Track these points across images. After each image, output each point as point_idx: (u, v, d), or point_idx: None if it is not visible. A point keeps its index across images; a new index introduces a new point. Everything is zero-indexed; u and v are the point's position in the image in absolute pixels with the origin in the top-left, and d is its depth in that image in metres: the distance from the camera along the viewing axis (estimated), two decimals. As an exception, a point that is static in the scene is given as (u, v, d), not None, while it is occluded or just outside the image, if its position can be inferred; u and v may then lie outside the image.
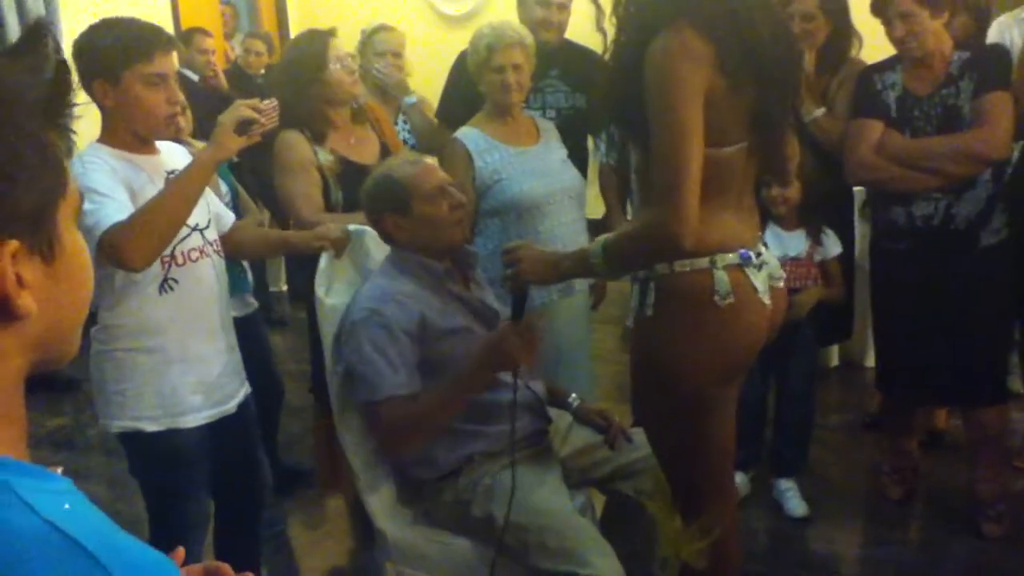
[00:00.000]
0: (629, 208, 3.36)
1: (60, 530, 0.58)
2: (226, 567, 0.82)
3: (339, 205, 2.62)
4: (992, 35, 3.33)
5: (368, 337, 2.02)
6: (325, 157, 2.64)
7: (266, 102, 1.94)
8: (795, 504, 2.96)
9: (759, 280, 1.75)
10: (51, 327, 0.66)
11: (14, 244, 0.61)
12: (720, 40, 1.60)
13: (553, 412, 2.29)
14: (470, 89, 2.86)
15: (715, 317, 1.71)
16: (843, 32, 2.91)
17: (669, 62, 1.60)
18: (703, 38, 1.59)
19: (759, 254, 1.78)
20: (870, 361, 3.87)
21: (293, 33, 6.95)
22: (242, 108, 1.88)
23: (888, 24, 2.64)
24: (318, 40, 2.68)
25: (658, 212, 1.63)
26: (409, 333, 2.03)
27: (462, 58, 3.16)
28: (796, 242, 2.89)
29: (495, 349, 1.95)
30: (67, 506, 0.61)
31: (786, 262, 2.75)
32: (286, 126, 2.50)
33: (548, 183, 2.72)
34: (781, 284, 1.85)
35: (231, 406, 2.07)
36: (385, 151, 2.76)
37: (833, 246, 2.94)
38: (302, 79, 2.66)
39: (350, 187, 2.54)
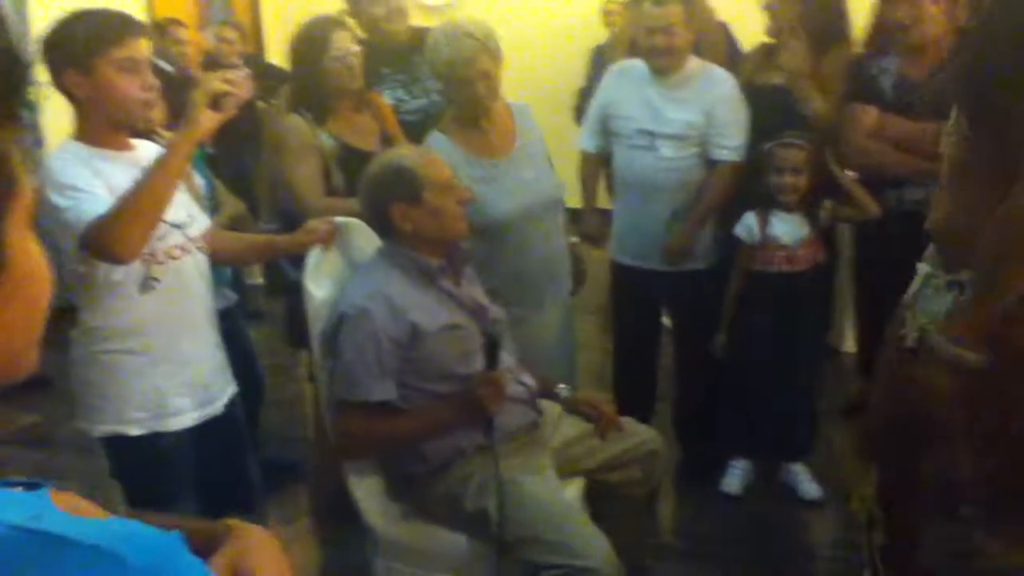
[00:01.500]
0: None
1: (34, 530, 0.53)
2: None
3: (340, 189, 2.57)
4: None
5: (353, 337, 2.00)
6: (326, 141, 2.59)
7: (236, 72, 1.82)
8: (809, 487, 2.97)
9: None
10: (1, 351, 0.61)
11: None
12: None
13: (543, 403, 2.27)
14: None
15: None
16: (837, 13, 2.89)
17: None
18: None
19: None
20: (848, 347, 3.88)
21: (267, 23, 6.83)
22: (212, 81, 1.78)
23: (889, 7, 2.61)
24: (321, 29, 2.61)
25: None
26: (395, 339, 2.01)
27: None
28: (798, 224, 2.85)
29: (468, 399, 1.98)
30: (34, 510, 0.56)
31: (798, 245, 2.77)
32: (288, 110, 2.53)
33: (523, 199, 2.52)
34: None
35: (218, 406, 2.02)
36: (386, 139, 2.70)
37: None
38: (300, 65, 2.63)
39: (351, 172, 2.48)
